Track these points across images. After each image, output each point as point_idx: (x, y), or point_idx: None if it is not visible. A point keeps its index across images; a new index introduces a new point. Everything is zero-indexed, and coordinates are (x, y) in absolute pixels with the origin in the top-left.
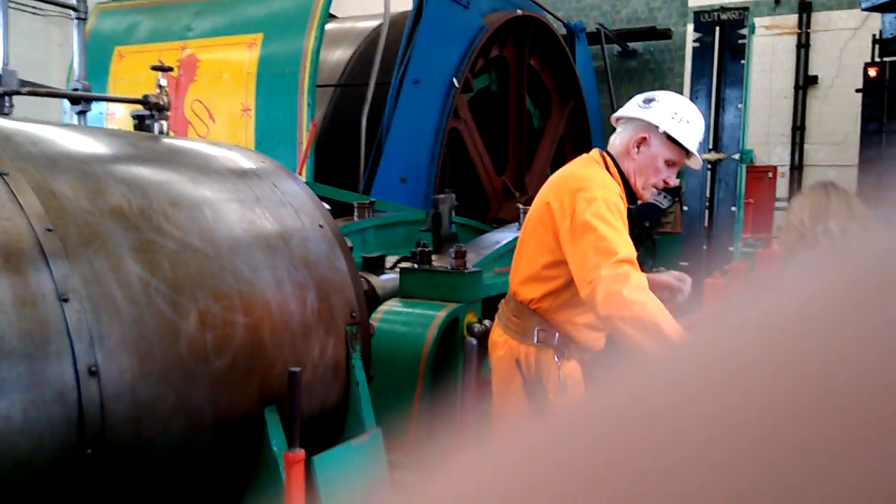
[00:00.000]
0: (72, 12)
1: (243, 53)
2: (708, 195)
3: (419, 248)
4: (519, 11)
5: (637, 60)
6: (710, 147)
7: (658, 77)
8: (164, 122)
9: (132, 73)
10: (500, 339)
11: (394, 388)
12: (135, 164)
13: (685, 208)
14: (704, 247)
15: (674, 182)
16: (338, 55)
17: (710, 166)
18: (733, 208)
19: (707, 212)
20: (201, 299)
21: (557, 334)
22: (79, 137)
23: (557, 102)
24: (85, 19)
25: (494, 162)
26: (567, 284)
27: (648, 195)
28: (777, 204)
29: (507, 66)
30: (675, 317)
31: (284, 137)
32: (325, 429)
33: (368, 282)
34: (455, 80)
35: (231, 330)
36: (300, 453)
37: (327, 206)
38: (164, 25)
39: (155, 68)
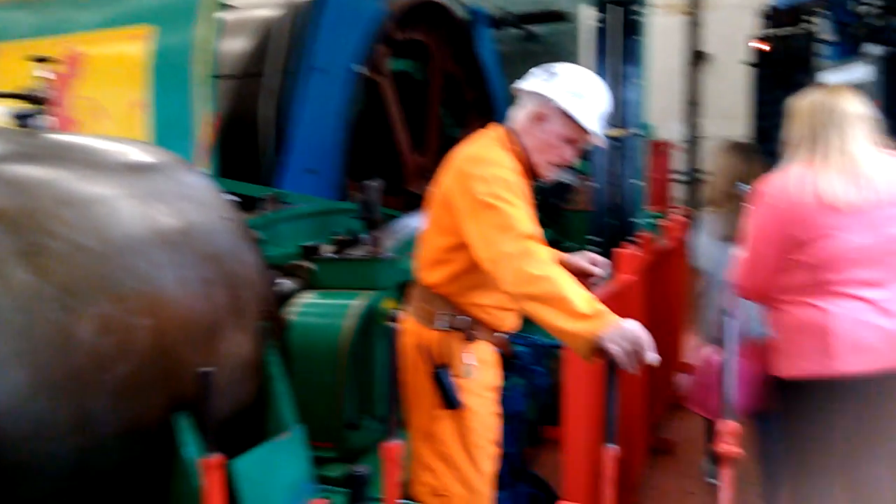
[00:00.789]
0: None
1: (134, 46)
2: (612, 171)
3: (338, 237)
4: None
5: (537, 43)
6: (614, 124)
7: (560, 59)
8: (50, 118)
9: (12, 71)
10: (408, 325)
11: (316, 382)
12: (15, 163)
13: (593, 185)
14: (611, 222)
15: (575, 160)
16: (237, 45)
17: (614, 143)
18: (636, 182)
19: (612, 187)
20: (98, 303)
21: (464, 317)
22: None
23: (474, 113)
24: None
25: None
26: (470, 267)
27: (549, 173)
28: (675, 177)
29: (424, 52)
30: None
31: (182, 132)
32: (243, 430)
33: (309, 270)
34: (359, 67)
35: (133, 333)
36: (217, 458)
37: (231, 199)
38: (46, 20)
39: (37, 59)
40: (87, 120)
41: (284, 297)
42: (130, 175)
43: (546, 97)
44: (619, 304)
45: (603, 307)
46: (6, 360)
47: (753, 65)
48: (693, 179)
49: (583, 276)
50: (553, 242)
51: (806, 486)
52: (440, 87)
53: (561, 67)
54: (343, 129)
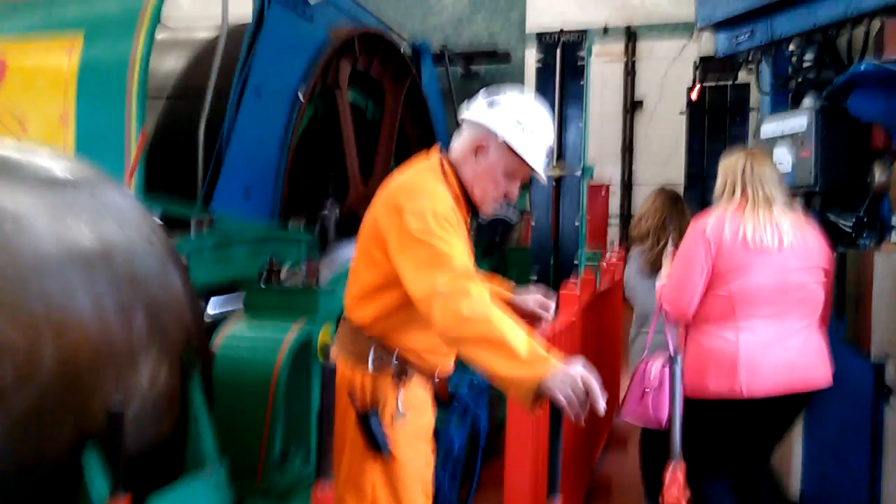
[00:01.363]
0: None
1: (61, 57)
2: (553, 210)
3: (268, 267)
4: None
5: (479, 82)
6: (554, 164)
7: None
8: None
9: None
10: (336, 364)
11: (242, 415)
12: None
13: (533, 223)
14: (551, 260)
15: (515, 196)
16: (170, 64)
17: (554, 182)
18: (577, 223)
19: (553, 226)
20: None
21: (395, 359)
22: None
23: (417, 149)
24: None
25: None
26: (400, 306)
27: (489, 208)
28: (609, 220)
29: (375, 86)
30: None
31: (109, 148)
32: (159, 466)
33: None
34: (300, 94)
35: (34, 360)
36: (125, 498)
37: (158, 221)
38: None
39: None
40: (6, 132)
41: (212, 326)
42: (44, 189)
43: (487, 127)
44: (561, 344)
45: (544, 351)
46: None
47: (688, 113)
48: (627, 221)
49: (530, 317)
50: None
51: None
52: (393, 119)
53: (505, 95)
54: (281, 153)
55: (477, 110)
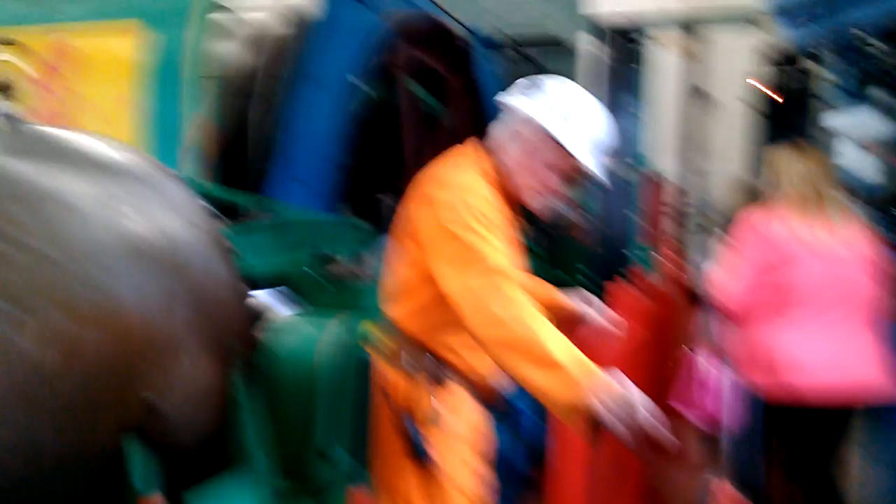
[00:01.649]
0: None
1: (123, 41)
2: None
3: (318, 257)
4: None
5: (532, 69)
6: (610, 154)
7: None
8: (8, 104)
9: None
10: (373, 361)
11: (284, 409)
12: None
13: (583, 215)
14: (602, 252)
15: (563, 191)
16: (230, 49)
17: (610, 173)
18: (630, 215)
19: (606, 218)
20: (43, 312)
21: (430, 358)
22: None
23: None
24: None
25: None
26: (435, 302)
27: (534, 202)
28: (664, 209)
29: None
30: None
31: (167, 132)
32: (201, 459)
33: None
34: (355, 80)
35: (80, 347)
36: (157, 497)
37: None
38: (29, 8)
39: (4, 43)
40: (74, 114)
41: (258, 315)
42: (98, 174)
43: (525, 113)
44: (611, 347)
45: (587, 360)
46: None
47: (752, 104)
48: (684, 213)
49: (574, 320)
50: (541, 272)
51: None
52: (453, 107)
53: (550, 81)
54: (335, 140)
55: (516, 95)
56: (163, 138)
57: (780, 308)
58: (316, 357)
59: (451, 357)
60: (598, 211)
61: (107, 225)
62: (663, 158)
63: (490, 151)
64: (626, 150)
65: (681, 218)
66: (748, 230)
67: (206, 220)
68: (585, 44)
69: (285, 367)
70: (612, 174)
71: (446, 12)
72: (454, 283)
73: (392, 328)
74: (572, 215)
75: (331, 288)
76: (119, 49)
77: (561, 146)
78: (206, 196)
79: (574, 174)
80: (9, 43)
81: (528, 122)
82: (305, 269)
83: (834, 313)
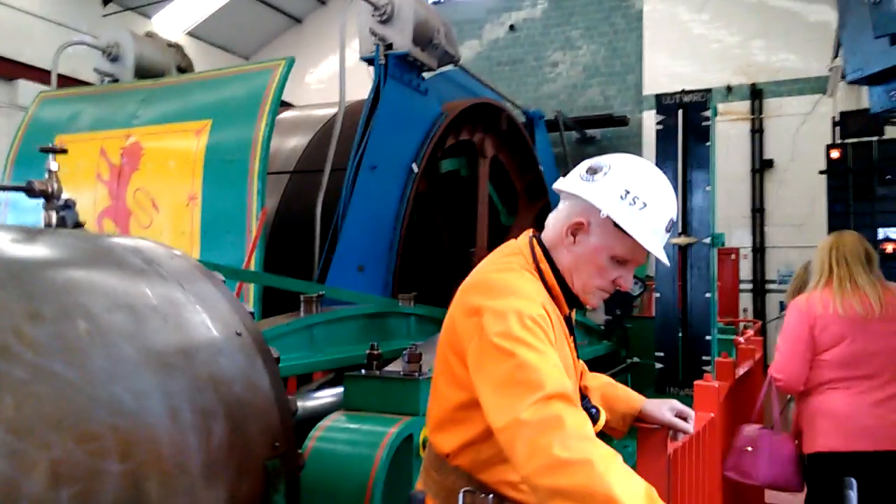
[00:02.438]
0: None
1: (190, 141)
2: (679, 280)
3: (369, 352)
4: (481, 99)
5: (595, 146)
6: (680, 231)
7: None
8: (56, 212)
9: (73, 161)
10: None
11: None
12: None
13: (657, 294)
14: (680, 334)
15: (629, 285)
16: (293, 143)
17: (679, 249)
18: (707, 294)
19: (679, 297)
20: (57, 444)
21: (492, 498)
22: None
23: (525, 201)
24: None
25: (463, 243)
26: (491, 432)
27: (593, 300)
28: (741, 286)
29: (474, 150)
30: None
31: (233, 226)
32: None
33: None
34: (415, 166)
35: (100, 482)
36: None
37: (250, 311)
38: (108, 113)
39: (44, 150)
40: (141, 212)
41: (304, 423)
42: (128, 281)
43: (587, 201)
44: (700, 449)
45: None
46: None
47: (828, 172)
48: (760, 288)
49: (661, 433)
50: (612, 356)
51: None
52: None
53: (612, 161)
54: (395, 226)
55: (575, 180)
56: (228, 232)
57: (833, 378)
58: (370, 461)
59: (517, 496)
60: (673, 288)
61: (137, 339)
62: (736, 230)
63: (540, 246)
64: (701, 228)
65: (759, 294)
66: (797, 315)
67: (248, 324)
68: (648, 120)
69: (338, 471)
70: (685, 249)
71: (506, 98)
72: (501, 411)
73: (441, 459)
74: (645, 291)
75: (381, 385)
76: (189, 147)
77: (629, 236)
78: (274, 287)
79: (642, 261)
80: (61, 152)
81: (589, 209)
82: (359, 363)
83: (881, 377)
